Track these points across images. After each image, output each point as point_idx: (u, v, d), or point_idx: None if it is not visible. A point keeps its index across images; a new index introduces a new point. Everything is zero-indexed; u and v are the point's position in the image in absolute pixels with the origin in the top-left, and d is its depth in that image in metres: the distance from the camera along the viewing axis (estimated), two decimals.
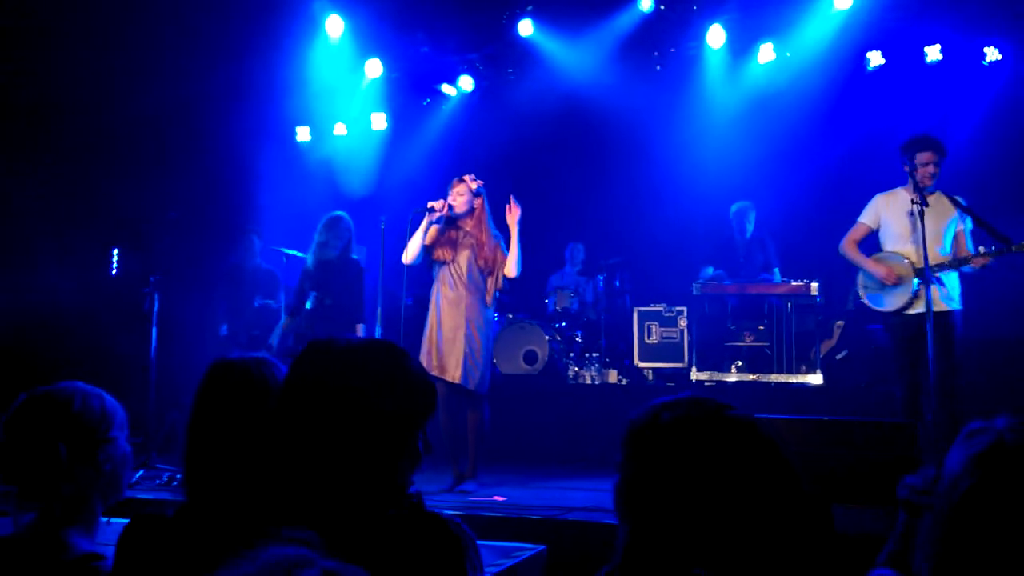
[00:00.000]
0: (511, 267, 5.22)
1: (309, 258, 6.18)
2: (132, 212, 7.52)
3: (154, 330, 5.85)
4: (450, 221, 5.26)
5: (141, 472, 5.19)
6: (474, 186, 5.24)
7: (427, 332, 5.24)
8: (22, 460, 1.80)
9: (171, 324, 6.28)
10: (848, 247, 5.40)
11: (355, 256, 6.20)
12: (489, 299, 5.28)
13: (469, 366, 5.11)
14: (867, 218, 5.40)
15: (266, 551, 0.86)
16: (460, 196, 5.22)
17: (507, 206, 5.25)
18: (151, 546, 1.73)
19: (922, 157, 5.09)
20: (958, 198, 5.18)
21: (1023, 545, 1.21)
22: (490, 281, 5.23)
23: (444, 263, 5.23)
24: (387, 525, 1.41)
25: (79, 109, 7.52)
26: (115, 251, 7.56)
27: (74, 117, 7.52)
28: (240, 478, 1.72)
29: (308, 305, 6.05)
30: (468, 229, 5.25)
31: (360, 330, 5.86)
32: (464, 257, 5.20)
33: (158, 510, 1.98)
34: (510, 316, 7.99)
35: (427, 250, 5.23)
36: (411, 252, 5.21)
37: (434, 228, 5.23)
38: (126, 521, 1.95)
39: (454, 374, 5.08)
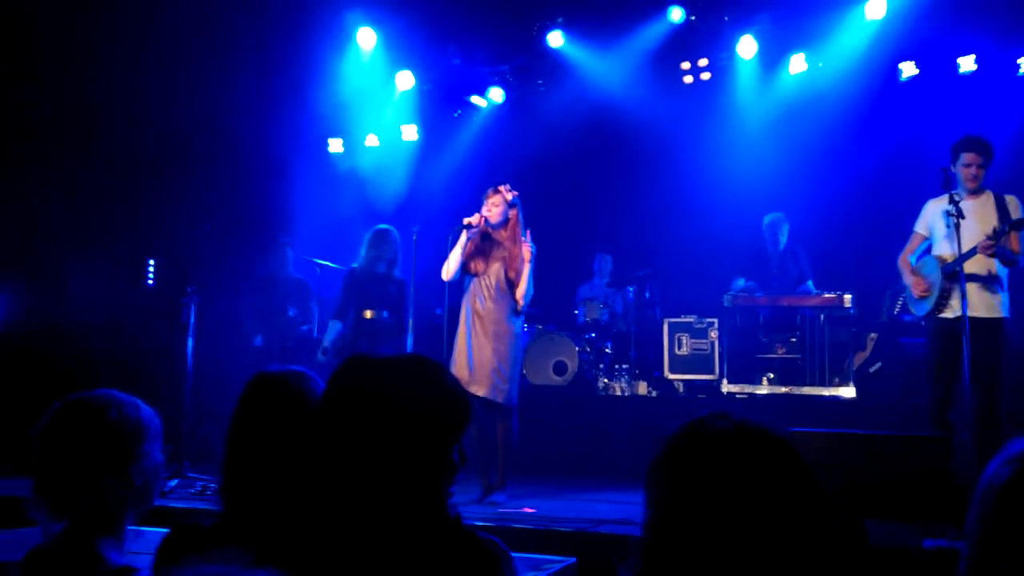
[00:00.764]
0: (519, 295, 5.21)
1: (356, 269, 6.18)
2: (168, 223, 7.62)
3: (190, 340, 5.92)
4: (484, 233, 5.27)
5: (175, 481, 5.24)
6: (509, 197, 5.24)
7: (457, 345, 5.26)
8: (55, 469, 1.80)
9: (206, 334, 6.36)
10: (901, 260, 5.31)
11: (399, 274, 6.19)
12: (519, 309, 5.27)
13: (498, 380, 5.12)
14: (919, 226, 5.30)
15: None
16: (495, 207, 5.22)
17: (523, 243, 5.22)
18: (189, 557, 1.75)
19: (965, 158, 5.00)
20: (1011, 197, 5.02)
21: None
22: (518, 292, 5.21)
23: (475, 275, 5.25)
24: (425, 540, 1.42)
25: (115, 121, 7.64)
26: (151, 262, 7.66)
27: (110, 129, 7.64)
28: (277, 490, 1.74)
29: (355, 317, 6.06)
30: (502, 240, 5.25)
31: (408, 344, 5.81)
32: (495, 269, 5.22)
33: (192, 520, 2.00)
34: (540, 327, 8.00)
35: (462, 263, 5.25)
36: (450, 268, 5.23)
37: (471, 241, 5.25)
38: (156, 530, 1.98)
39: (484, 388, 5.10)
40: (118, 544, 1.84)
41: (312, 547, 1.43)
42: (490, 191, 5.28)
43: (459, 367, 5.16)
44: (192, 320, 5.90)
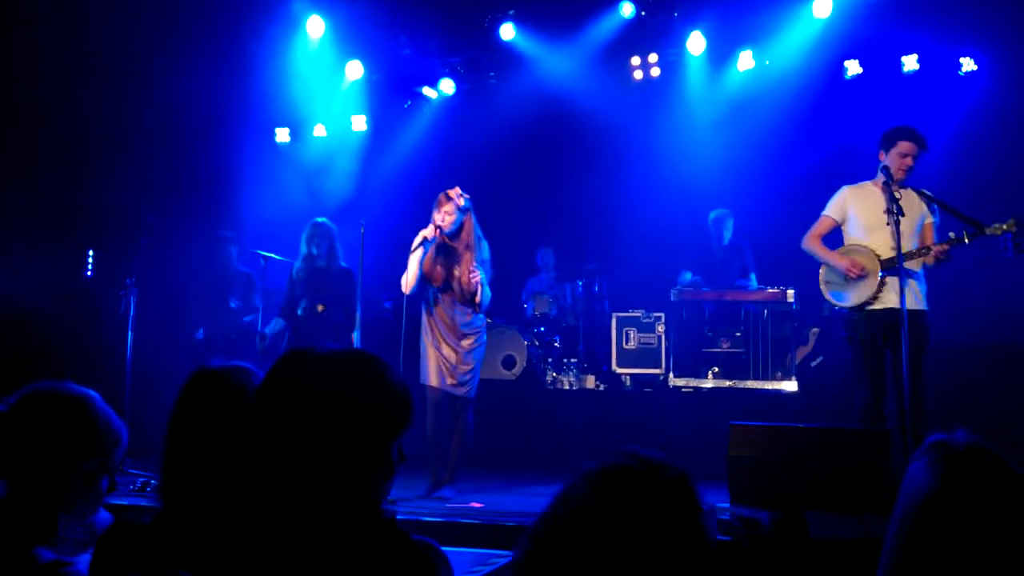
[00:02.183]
0: (478, 300, 5.26)
1: (297, 265, 6.19)
2: (108, 213, 7.45)
3: (129, 333, 5.81)
4: (441, 243, 5.26)
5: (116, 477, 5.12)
6: (461, 202, 5.23)
7: (427, 351, 5.29)
8: (21, 456, 1.78)
9: (148, 327, 6.23)
10: (811, 241, 5.24)
11: (344, 264, 6.17)
12: (479, 309, 5.33)
13: (468, 378, 5.28)
14: (832, 211, 5.23)
15: None
16: (448, 216, 5.20)
17: (479, 247, 5.29)
18: (128, 553, 1.73)
19: (903, 147, 4.96)
20: (925, 191, 5.08)
21: (981, 552, 1.24)
22: (477, 298, 5.26)
23: (437, 284, 5.28)
24: (355, 540, 1.40)
25: (54, 110, 7.44)
26: (91, 253, 7.48)
27: (49, 117, 7.44)
28: (217, 487, 1.72)
29: (299, 312, 6.03)
30: (458, 248, 5.26)
31: (355, 339, 5.79)
32: (457, 275, 5.25)
33: (132, 516, 1.97)
34: (489, 321, 7.99)
35: (421, 275, 5.25)
36: (410, 281, 5.22)
37: (428, 253, 5.25)
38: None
39: (461, 387, 5.24)
40: (52, 542, 1.82)
41: (242, 545, 1.40)
42: (441, 197, 5.25)
43: (431, 372, 5.24)
44: (131, 312, 5.79)
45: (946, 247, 4.82)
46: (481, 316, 5.40)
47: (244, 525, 1.42)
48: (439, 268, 5.27)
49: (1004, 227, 4.73)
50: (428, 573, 1.41)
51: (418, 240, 5.21)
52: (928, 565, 1.27)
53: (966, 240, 4.81)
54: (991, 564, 1.23)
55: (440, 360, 5.26)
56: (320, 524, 1.39)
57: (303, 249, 6.13)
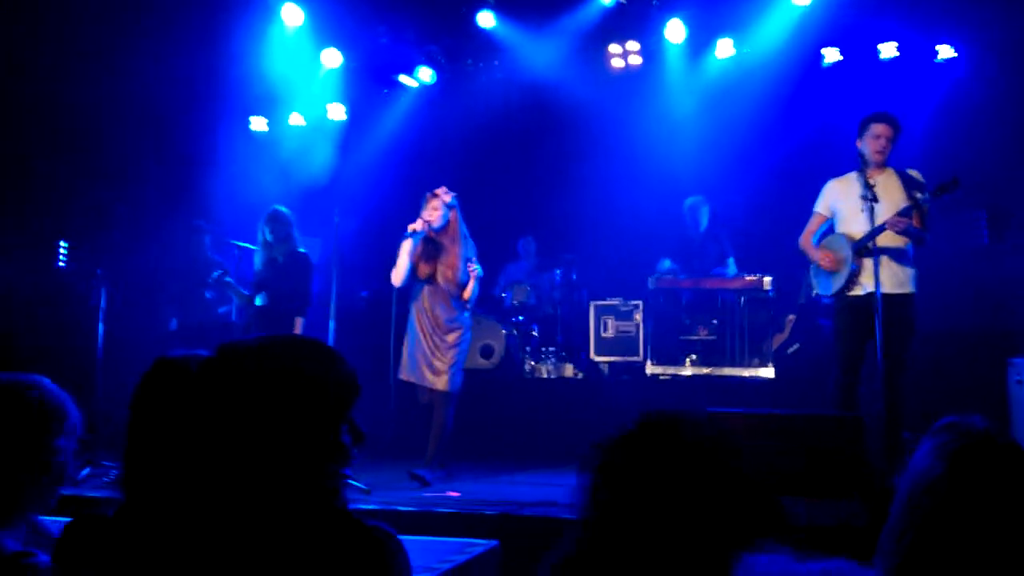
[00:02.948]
0: (466, 295, 5.45)
1: (256, 256, 6.18)
2: (80, 203, 7.36)
3: (100, 324, 5.74)
4: (427, 237, 5.42)
5: (87, 470, 5.07)
6: (448, 199, 5.40)
7: (419, 343, 5.41)
8: None
9: (120, 317, 6.17)
10: (803, 240, 5.30)
11: (302, 249, 6.14)
12: (467, 305, 5.50)
13: (454, 372, 5.40)
14: (820, 206, 5.29)
15: None
16: (435, 211, 5.38)
17: (469, 266, 5.45)
18: (91, 547, 1.71)
19: (875, 129, 4.99)
20: (910, 171, 5.07)
21: (990, 535, 1.23)
22: (465, 293, 5.43)
23: (424, 278, 5.43)
24: (306, 527, 1.38)
25: (24, 96, 7.33)
26: (63, 243, 7.39)
27: (19, 106, 7.33)
28: (177, 477, 1.70)
29: (258, 302, 6.00)
30: (444, 242, 5.41)
31: (299, 324, 5.87)
32: (441, 271, 5.39)
33: (103, 509, 1.95)
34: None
35: (410, 268, 5.40)
36: (400, 274, 5.41)
37: (416, 245, 5.40)
38: (64, 520, 1.91)
39: (442, 382, 5.35)
40: (15, 532, 1.80)
41: (199, 537, 1.38)
42: (428, 195, 5.43)
43: (419, 367, 5.38)
44: (103, 303, 5.72)
45: (903, 220, 4.76)
46: (467, 313, 5.52)
47: (198, 517, 1.40)
48: (425, 263, 5.40)
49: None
50: (382, 560, 1.39)
51: (409, 232, 5.35)
52: (934, 548, 1.26)
53: (919, 200, 4.78)
54: (999, 548, 1.23)
55: (419, 353, 5.38)
56: (270, 512, 1.37)
57: (259, 237, 6.12)
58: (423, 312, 5.43)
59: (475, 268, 5.45)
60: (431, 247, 5.43)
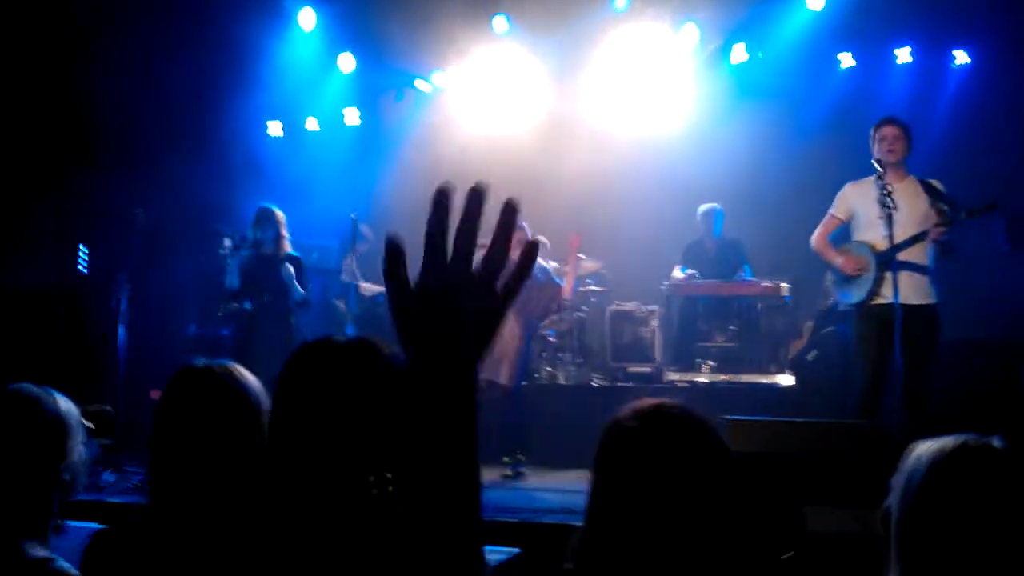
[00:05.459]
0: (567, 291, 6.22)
1: (247, 254, 6.19)
2: (101, 209, 7.40)
3: (122, 328, 5.77)
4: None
5: (112, 476, 5.10)
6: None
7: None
8: None
9: (142, 322, 6.19)
10: (818, 241, 5.26)
11: (294, 253, 6.16)
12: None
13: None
14: (837, 210, 5.24)
15: None
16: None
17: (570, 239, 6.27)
18: (118, 557, 1.73)
19: (883, 132, 4.99)
20: (932, 181, 5.03)
21: (967, 540, 1.24)
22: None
23: None
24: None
25: (49, 103, 7.39)
26: (83, 248, 7.44)
27: (45, 111, 7.39)
28: (204, 486, 1.72)
29: (247, 306, 6.00)
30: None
31: (348, 331, 5.86)
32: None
33: (127, 514, 1.97)
34: None
35: None
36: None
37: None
38: (84, 525, 1.94)
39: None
40: (42, 539, 1.81)
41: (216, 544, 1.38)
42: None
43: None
44: (124, 308, 5.75)
45: (943, 228, 4.73)
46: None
47: (222, 526, 1.40)
48: None
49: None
50: None
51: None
52: (922, 537, 1.28)
53: (963, 216, 4.75)
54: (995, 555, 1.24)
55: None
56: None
57: (248, 236, 6.13)
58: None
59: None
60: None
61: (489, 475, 5.89)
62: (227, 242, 7.15)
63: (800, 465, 3.82)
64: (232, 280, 6.08)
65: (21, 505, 1.78)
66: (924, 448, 1.35)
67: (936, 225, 4.74)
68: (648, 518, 1.34)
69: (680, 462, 1.36)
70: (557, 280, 6.17)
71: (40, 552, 1.77)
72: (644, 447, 1.36)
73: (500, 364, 5.83)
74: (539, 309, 6.09)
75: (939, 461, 1.30)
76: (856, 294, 5.05)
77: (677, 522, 1.33)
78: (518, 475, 5.95)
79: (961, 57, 7.94)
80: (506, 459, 6.00)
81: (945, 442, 1.35)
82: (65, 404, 1.89)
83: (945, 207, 4.82)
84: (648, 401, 1.47)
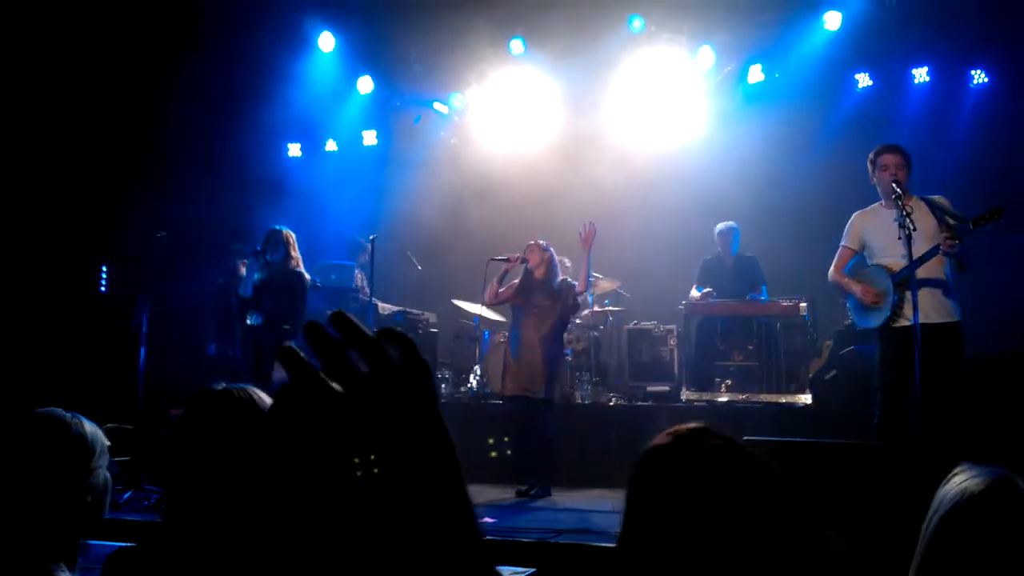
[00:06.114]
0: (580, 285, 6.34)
1: (256, 274, 6.31)
2: (122, 229, 7.48)
3: (142, 348, 5.83)
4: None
5: (129, 493, 5.12)
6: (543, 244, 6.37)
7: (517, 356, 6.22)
8: (9, 487, 1.78)
9: (162, 341, 6.24)
10: (834, 274, 5.25)
11: (299, 269, 6.25)
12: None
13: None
14: (848, 240, 5.24)
15: None
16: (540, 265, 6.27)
17: (583, 230, 6.27)
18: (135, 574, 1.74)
19: (882, 160, 4.98)
20: (936, 198, 4.99)
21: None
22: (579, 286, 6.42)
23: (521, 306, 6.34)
24: None
25: (70, 124, 7.49)
26: (104, 268, 7.51)
27: (65, 131, 7.49)
28: (219, 507, 1.72)
29: (250, 321, 6.09)
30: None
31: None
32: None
33: (145, 532, 1.98)
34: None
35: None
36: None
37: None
38: (106, 544, 1.95)
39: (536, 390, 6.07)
40: (71, 564, 1.82)
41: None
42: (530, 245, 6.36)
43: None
44: (144, 327, 5.81)
45: (953, 240, 4.65)
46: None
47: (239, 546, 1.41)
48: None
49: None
50: None
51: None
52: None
53: (971, 226, 4.68)
54: None
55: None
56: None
57: (259, 257, 6.27)
58: (525, 333, 6.30)
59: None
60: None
61: (505, 495, 5.89)
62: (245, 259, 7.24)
63: (819, 486, 3.79)
64: (246, 289, 6.21)
65: (48, 528, 1.79)
66: (956, 481, 1.34)
67: (946, 239, 4.69)
68: (685, 544, 1.34)
69: (722, 488, 1.37)
70: (571, 282, 6.34)
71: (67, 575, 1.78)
72: (682, 471, 1.38)
73: (533, 379, 6.05)
74: (557, 318, 6.20)
75: (960, 503, 1.29)
76: (876, 319, 5.02)
77: (716, 549, 1.34)
78: (536, 495, 5.92)
79: (979, 76, 7.92)
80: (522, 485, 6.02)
81: (974, 481, 1.34)
82: (91, 428, 1.90)
83: (953, 221, 4.80)
84: (687, 425, 1.48)
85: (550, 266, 6.26)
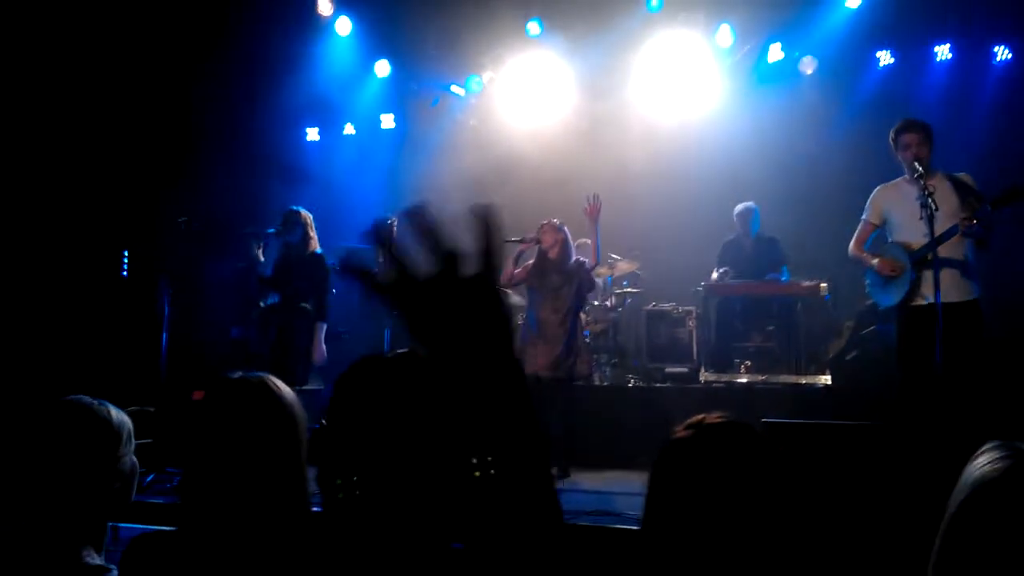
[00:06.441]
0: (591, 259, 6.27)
1: (275, 254, 6.34)
2: (143, 214, 7.53)
3: (164, 333, 5.87)
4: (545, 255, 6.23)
5: (152, 476, 5.18)
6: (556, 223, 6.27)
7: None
8: (40, 473, 1.81)
9: (183, 326, 6.29)
10: (854, 248, 5.22)
11: (319, 251, 6.26)
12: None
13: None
14: (870, 215, 5.20)
15: None
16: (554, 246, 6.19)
17: (587, 206, 6.21)
18: (155, 562, 1.75)
19: (904, 139, 4.93)
20: (961, 175, 4.95)
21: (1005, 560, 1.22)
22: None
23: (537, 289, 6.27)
24: None
25: (90, 111, 7.54)
26: (126, 253, 7.57)
27: (85, 118, 7.54)
28: (236, 496, 1.73)
29: (267, 301, 6.12)
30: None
31: (321, 329, 6.07)
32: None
33: (167, 515, 2.00)
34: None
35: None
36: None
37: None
38: (131, 526, 1.97)
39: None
40: (98, 547, 1.85)
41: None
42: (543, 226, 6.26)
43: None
44: (166, 312, 5.85)
45: (971, 220, 4.61)
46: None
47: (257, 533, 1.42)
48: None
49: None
50: None
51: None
52: (960, 556, 1.26)
53: (990, 208, 4.62)
54: None
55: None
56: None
57: (278, 239, 6.29)
58: (544, 316, 6.26)
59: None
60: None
61: None
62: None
63: (839, 468, 3.78)
64: (267, 270, 6.26)
65: (77, 513, 1.82)
66: (980, 461, 1.32)
67: (964, 219, 4.65)
68: (705, 529, 1.37)
69: (742, 482, 1.39)
70: (583, 260, 6.29)
71: (96, 560, 1.81)
72: (704, 465, 1.39)
73: (551, 361, 6.07)
74: (573, 297, 6.19)
75: (979, 487, 1.27)
76: (895, 295, 4.98)
77: (733, 535, 1.36)
78: (555, 477, 5.92)
79: (1002, 53, 7.80)
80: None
81: (994, 467, 1.32)
82: (118, 416, 1.93)
83: (975, 201, 4.74)
84: (708, 417, 1.50)
85: (564, 246, 6.19)
